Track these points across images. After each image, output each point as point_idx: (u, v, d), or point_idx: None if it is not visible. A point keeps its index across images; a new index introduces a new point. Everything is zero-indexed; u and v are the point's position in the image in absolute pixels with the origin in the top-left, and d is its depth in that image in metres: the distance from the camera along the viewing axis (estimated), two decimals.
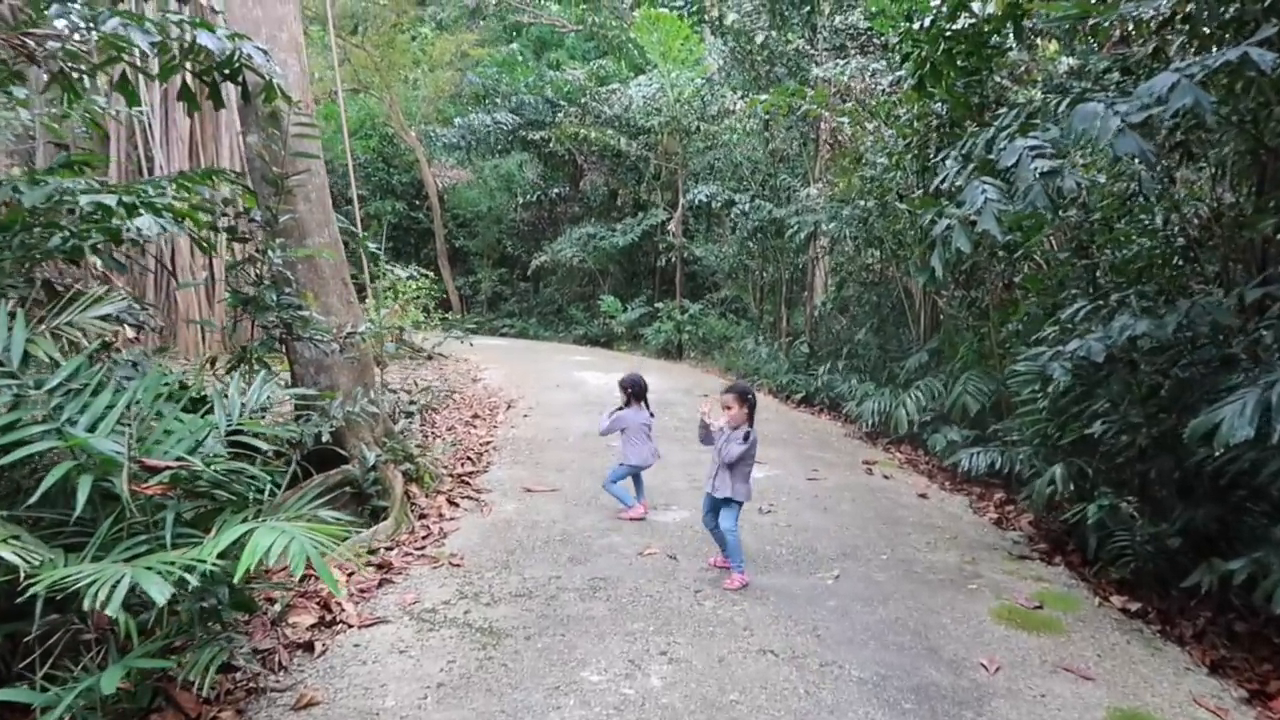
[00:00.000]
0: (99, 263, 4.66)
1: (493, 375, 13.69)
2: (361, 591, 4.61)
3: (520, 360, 15.92)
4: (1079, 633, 4.47)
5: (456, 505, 6.23)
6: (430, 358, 15.31)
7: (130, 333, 6.25)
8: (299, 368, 5.97)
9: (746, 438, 4.92)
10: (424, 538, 5.50)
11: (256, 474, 3.48)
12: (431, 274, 16.44)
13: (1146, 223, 5.71)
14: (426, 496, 6.22)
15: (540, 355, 17.16)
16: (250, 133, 5.77)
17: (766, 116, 14.23)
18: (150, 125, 11.67)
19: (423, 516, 5.89)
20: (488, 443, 8.57)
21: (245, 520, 3.24)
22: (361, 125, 25.94)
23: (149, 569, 2.70)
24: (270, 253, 5.00)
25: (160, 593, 2.58)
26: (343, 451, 5.85)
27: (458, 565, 5.07)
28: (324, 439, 5.16)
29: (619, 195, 22.70)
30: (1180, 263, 5.43)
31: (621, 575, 5.01)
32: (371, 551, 5.13)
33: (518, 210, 24.81)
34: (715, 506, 5.08)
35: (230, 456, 3.63)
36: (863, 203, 10.67)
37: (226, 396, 3.82)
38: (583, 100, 20.36)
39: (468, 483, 6.85)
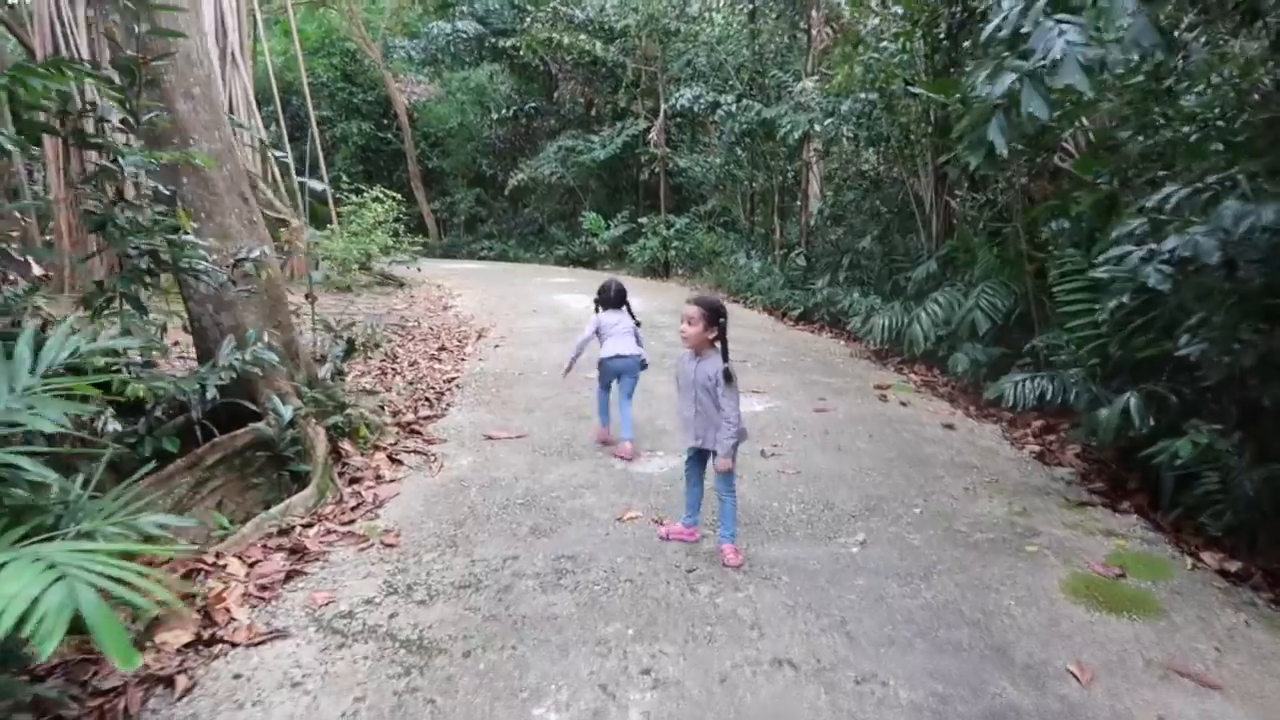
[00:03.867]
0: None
1: (465, 302, 12.67)
2: (261, 589, 3.60)
3: (497, 284, 14.88)
4: (1180, 613, 3.48)
5: (400, 463, 5.20)
6: (401, 285, 14.37)
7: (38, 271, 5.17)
8: (194, 305, 4.86)
9: (727, 376, 3.85)
10: (353, 509, 4.47)
11: (41, 471, 2.41)
12: (401, 197, 15.39)
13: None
14: (362, 454, 5.19)
15: (519, 278, 16.09)
16: (110, 12, 4.57)
17: (753, 5, 12.93)
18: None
19: (355, 480, 4.86)
20: (451, 379, 7.55)
21: (26, 539, 2.22)
22: (323, 43, 24.27)
23: None
24: (121, 159, 3.84)
25: None
26: (254, 406, 4.79)
27: (390, 545, 4.05)
28: (209, 395, 4.10)
29: (594, 105, 21.28)
30: None
31: (594, 551, 4.00)
32: (284, 532, 4.12)
33: (492, 127, 23.38)
34: (702, 459, 4.09)
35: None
36: (864, 95, 9.54)
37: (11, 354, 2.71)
38: (552, 4, 18.83)
39: (418, 431, 5.82)
